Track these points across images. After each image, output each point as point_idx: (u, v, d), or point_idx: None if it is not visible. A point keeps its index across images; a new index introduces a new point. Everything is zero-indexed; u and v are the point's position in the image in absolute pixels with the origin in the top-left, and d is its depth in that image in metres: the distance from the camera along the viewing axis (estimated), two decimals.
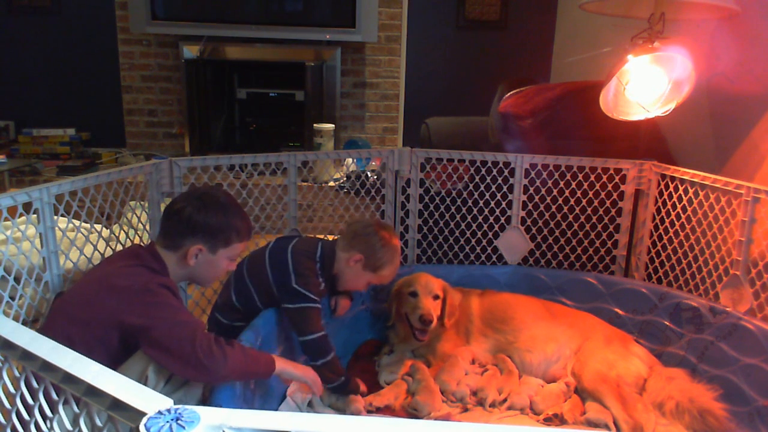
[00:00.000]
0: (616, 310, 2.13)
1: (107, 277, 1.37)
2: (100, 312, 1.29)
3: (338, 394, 1.72)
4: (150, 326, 1.25)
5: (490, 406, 1.77)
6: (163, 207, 1.98)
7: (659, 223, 2.17)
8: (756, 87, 2.10)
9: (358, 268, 1.81)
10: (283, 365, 1.45)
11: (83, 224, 1.69)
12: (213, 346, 1.25)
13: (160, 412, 0.56)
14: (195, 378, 1.29)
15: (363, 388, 1.77)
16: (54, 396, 0.69)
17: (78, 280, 1.50)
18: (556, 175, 2.26)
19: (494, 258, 2.38)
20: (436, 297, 1.96)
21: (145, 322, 1.26)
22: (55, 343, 0.70)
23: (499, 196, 2.29)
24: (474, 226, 2.34)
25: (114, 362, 1.28)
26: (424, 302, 1.92)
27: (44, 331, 1.35)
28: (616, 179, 2.22)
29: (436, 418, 1.69)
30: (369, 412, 1.71)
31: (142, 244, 1.74)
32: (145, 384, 1.17)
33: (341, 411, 1.69)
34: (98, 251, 1.72)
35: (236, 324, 1.76)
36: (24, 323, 1.46)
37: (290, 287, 1.70)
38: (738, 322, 1.76)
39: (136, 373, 1.25)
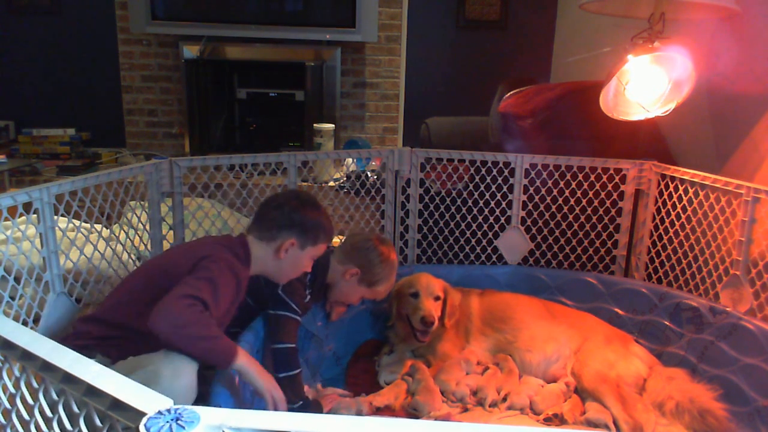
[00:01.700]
0: (616, 310, 2.13)
1: (193, 246, 1.53)
2: (173, 268, 1.40)
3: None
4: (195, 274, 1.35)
5: (490, 406, 1.77)
6: (163, 207, 1.98)
7: (659, 223, 2.17)
8: (756, 87, 2.10)
9: (354, 282, 1.83)
10: (246, 364, 1.34)
11: (83, 224, 1.69)
12: (197, 312, 1.26)
13: (160, 412, 0.56)
14: (155, 319, 1.25)
15: (326, 408, 1.68)
16: (54, 396, 0.69)
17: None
18: (556, 175, 2.26)
19: (494, 258, 2.38)
20: (437, 298, 1.96)
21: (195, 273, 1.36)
22: (55, 343, 0.70)
23: (499, 196, 2.29)
24: (474, 226, 2.34)
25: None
26: (426, 303, 1.92)
27: (120, 284, 1.51)
28: (616, 179, 2.22)
29: (436, 418, 1.69)
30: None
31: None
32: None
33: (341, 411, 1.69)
34: (98, 251, 1.72)
35: (231, 330, 1.73)
36: (24, 323, 1.46)
37: (275, 293, 1.69)
38: (738, 322, 1.76)
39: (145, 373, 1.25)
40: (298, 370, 1.62)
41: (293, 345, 1.65)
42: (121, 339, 1.38)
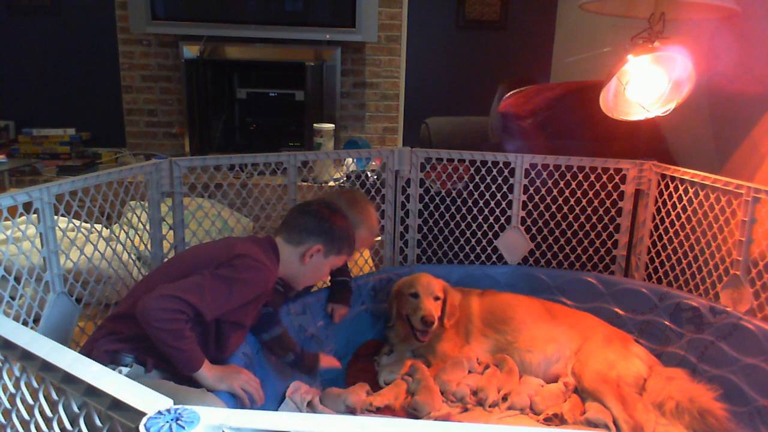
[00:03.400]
0: (616, 310, 2.13)
1: (230, 242, 1.52)
2: (205, 262, 1.41)
3: (298, 371, 1.72)
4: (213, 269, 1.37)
5: (490, 406, 1.77)
6: (163, 207, 1.98)
7: (659, 223, 2.17)
8: (756, 87, 2.10)
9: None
10: (205, 374, 1.34)
11: (83, 224, 1.69)
12: (182, 326, 1.28)
13: (159, 412, 0.56)
14: (146, 300, 1.27)
15: (324, 363, 1.75)
16: (54, 396, 0.69)
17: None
18: (556, 175, 2.26)
19: (494, 258, 2.38)
20: (437, 298, 1.96)
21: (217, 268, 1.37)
22: (55, 343, 0.70)
23: (499, 196, 2.29)
24: (474, 226, 2.34)
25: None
26: (426, 303, 1.92)
27: (148, 277, 1.52)
28: (616, 179, 2.22)
29: (435, 418, 1.69)
30: (369, 412, 1.71)
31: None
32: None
33: (340, 411, 1.69)
34: (98, 251, 1.72)
35: None
36: (24, 323, 1.46)
37: None
38: (738, 322, 1.76)
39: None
40: (281, 330, 1.67)
41: (272, 309, 1.68)
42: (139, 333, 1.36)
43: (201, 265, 1.40)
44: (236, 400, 1.37)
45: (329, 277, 2.03)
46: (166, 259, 1.88)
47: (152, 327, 1.26)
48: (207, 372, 1.34)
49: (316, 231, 1.59)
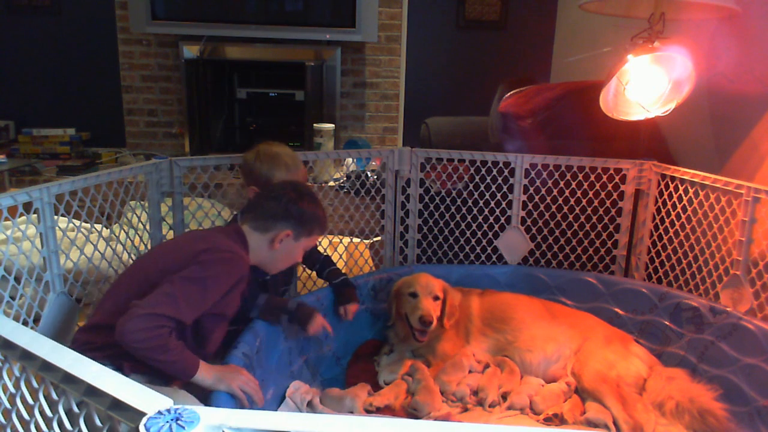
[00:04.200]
0: (616, 310, 2.13)
1: (189, 240, 1.50)
2: (172, 263, 1.38)
3: (299, 326, 1.74)
4: (182, 275, 1.33)
5: (490, 406, 1.77)
6: (163, 207, 1.99)
7: (659, 223, 2.17)
8: (756, 87, 2.10)
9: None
10: (204, 376, 1.33)
11: (83, 224, 1.69)
12: (169, 335, 1.26)
13: (159, 412, 0.56)
14: (123, 324, 1.24)
15: (318, 322, 1.74)
16: (54, 396, 0.69)
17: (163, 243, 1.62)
18: (556, 175, 2.26)
19: (494, 258, 2.38)
20: (436, 298, 1.96)
21: (183, 268, 1.34)
22: (55, 343, 0.70)
23: (499, 196, 2.29)
24: (474, 226, 2.34)
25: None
26: (424, 303, 1.92)
27: (114, 286, 1.47)
28: (616, 179, 2.22)
29: (435, 418, 1.69)
30: (369, 412, 1.71)
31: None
32: None
33: (341, 411, 1.69)
34: (98, 251, 1.72)
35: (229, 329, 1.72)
36: (24, 323, 1.46)
37: None
38: (738, 322, 1.76)
39: None
40: (264, 298, 1.71)
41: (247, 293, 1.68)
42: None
43: (167, 268, 1.37)
44: (235, 401, 1.37)
45: (329, 281, 2.04)
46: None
47: (136, 349, 1.23)
48: (205, 374, 1.33)
49: (284, 216, 1.56)
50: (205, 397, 1.36)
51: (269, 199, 1.59)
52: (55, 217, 1.55)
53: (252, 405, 1.40)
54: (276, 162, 1.84)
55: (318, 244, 2.02)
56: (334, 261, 2.10)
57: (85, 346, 1.34)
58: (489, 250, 2.37)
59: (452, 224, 2.35)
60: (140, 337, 1.22)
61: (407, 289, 1.97)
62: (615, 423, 1.64)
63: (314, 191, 1.70)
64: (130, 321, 1.22)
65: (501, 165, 2.27)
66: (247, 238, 1.55)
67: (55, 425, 0.69)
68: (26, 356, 0.69)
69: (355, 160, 3.59)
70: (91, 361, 0.66)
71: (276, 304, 1.74)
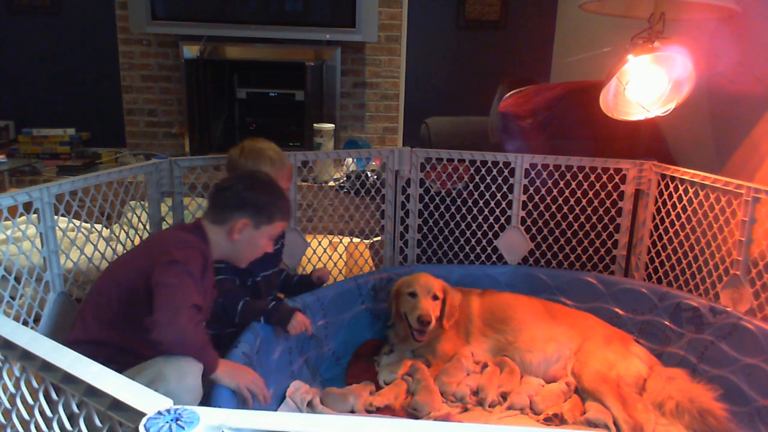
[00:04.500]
0: (616, 310, 2.13)
1: (150, 241, 1.50)
2: (134, 271, 1.38)
3: (279, 326, 1.72)
4: (159, 282, 1.32)
5: (489, 406, 1.77)
6: (163, 207, 1.99)
7: (659, 223, 2.17)
8: (756, 87, 2.10)
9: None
10: (221, 373, 1.38)
11: (83, 224, 1.69)
12: (187, 325, 1.30)
13: (159, 413, 0.56)
14: (157, 339, 1.28)
15: (299, 320, 1.71)
16: (54, 396, 0.69)
17: (126, 252, 1.59)
18: (556, 175, 2.26)
19: (494, 258, 2.38)
20: (435, 297, 1.96)
21: (159, 277, 1.33)
22: (55, 343, 0.70)
23: (499, 196, 2.29)
24: (474, 226, 2.34)
25: (134, 323, 1.33)
26: (423, 303, 1.92)
27: (88, 296, 1.47)
28: (616, 179, 2.22)
29: (435, 418, 1.69)
30: (369, 412, 1.71)
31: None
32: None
33: (342, 410, 1.69)
34: (98, 251, 1.72)
35: (226, 332, 1.71)
36: (24, 323, 1.46)
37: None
38: (738, 322, 1.76)
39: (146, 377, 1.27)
40: (240, 303, 1.68)
41: (227, 300, 1.69)
42: (106, 358, 1.36)
43: (137, 276, 1.37)
44: (237, 399, 1.37)
45: (302, 283, 2.06)
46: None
47: (182, 342, 1.27)
48: (224, 371, 1.37)
49: (238, 205, 1.53)
50: (206, 396, 1.36)
51: (223, 190, 1.56)
52: (55, 217, 1.55)
53: (256, 405, 1.41)
54: (260, 157, 1.83)
55: (318, 245, 2.03)
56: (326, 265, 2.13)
57: None
58: (489, 250, 2.37)
59: (452, 224, 2.35)
60: (183, 331, 1.27)
61: (407, 289, 1.97)
62: (615, 423, 1.64)
63: (270, 178, 1.64)
64: (163, 333, 1.25)
65: (501, 165, 2.27)
66: (207, 232, 1.53)
67: (55, 425, 0.69)
68: (26, 356, 0.69)
69: (355, 160, 3.59)
70: (91, 361, 0.66)
71: (255, 306, 1.71)
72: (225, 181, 1.61)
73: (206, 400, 1.36)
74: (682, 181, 2.05)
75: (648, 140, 2.31)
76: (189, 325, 1.30)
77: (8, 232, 1.41)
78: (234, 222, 1.52)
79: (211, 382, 1.36)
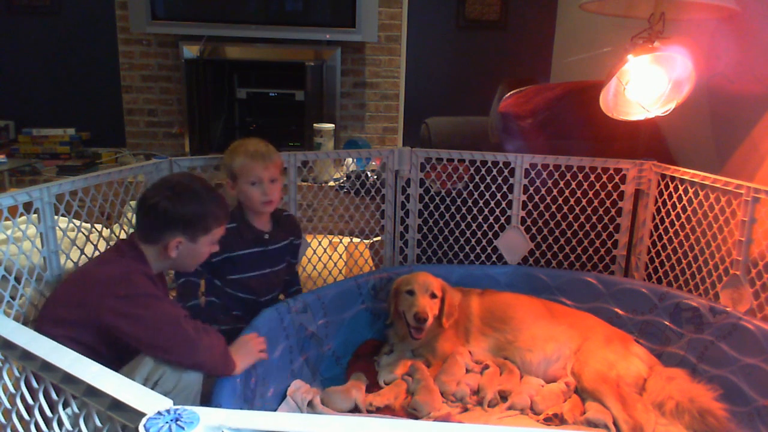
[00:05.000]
0: (616, 310, 2.13)
1: (88, 272, 1.42)
2: (81, 310, 1.31)
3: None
4: (133, 328, 1.29)
5: (489, 406, 1.77)
6: None
7: (659, 223, 2.17)
8: (756, 87, 2.10)
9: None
10: (241, 367, 1.45)
11: (83, 224, 1.69)
12: (200, 333, 1.33)
13: (159, 413, 0.56)
14: (178, 360, 1.30)
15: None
16: (54, 396, 0.69)
17: (64, 279, 1.51)
18: (556, 175, 2.26)
19: (494, 258, 2.38)
20: (433, 296, 1.95)
21: (127, 324, 1.29)
22: (55, 343, 0.70)
23: (499, 196, 2.29)
24: (474, 226, 2.34)
25: (97, 354, 1.30)
26: (420, 300, 1.92)
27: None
28: (616, 179, 2.22)
29: (435, 418, 1.69)
30: (369, 412, 1.71)
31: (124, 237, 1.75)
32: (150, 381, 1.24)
33: (343, 406, 1.69)
34: (98, 251, 1.72)
35: (222, 328, 1.70)
36: (24, 323, 1.46)
37: None
38: (738, 322, 1.76)
39: (141, 375, 1.28)
40: (195, 303, 1.78)
41: (188, 303, 1.78)
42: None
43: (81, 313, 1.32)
44: (236, 399, 1.38)
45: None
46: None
47: (190, 349, 1.30)
48: (241, 361, 1.44)
49: (166, 226, 1.42)
50: (206, 396, 1.37)
51: (145, 214, 1.46)
52: (55, 217, 1.55)
53: (256, 405, 1.43)
54: (236, 151, 1.84)
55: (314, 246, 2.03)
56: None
57: None
58: (489, 250, 2.37)
59: (452, 224, 2.35)
60: (192, 342, 1.31)
61: (405, 287, 1.98)
62: (615, 423, 1.64)
63: (196, 182, 1.51)
64: (180, 340, 1.30)
65: (501, 165, 2.27)
66: (143, 250, 1.45)
67: (55, 425, 0.69)
68: (26, 356, 0.69)
69: (355, 160, 3.59)
70: (91, 361, 0.66)
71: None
72: (147, 197, 1.47)
73: (206, 400, 1.36)
74: (682, 181, 2.05)
75: (648, 140, 2.31)
76: (203, 336, 1.33)
77: (8, 232, 1.41)
78: (167, 241, 1.43)
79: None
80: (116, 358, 1.31)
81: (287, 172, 2.17)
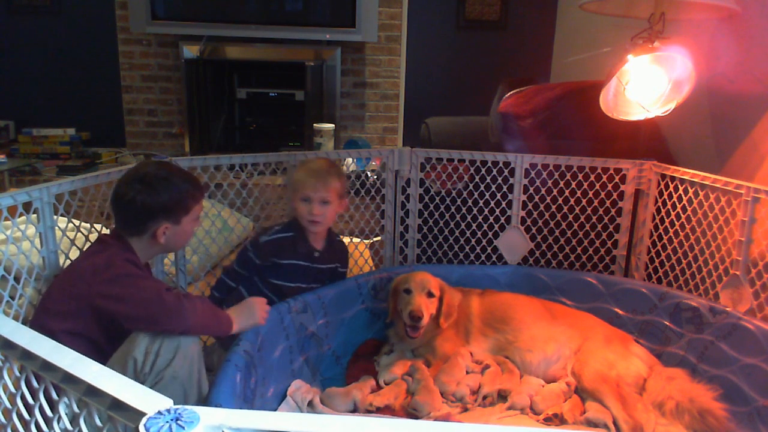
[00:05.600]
0: (616, 310, 2.13)
1: (76, 266, 1.47)
2: (75, 302, 1.38)
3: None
4: (121, 307, 1.35)
5: (489, 405, 1.77)
6: None
7: (659, 223, 2.17)
8: (756, 87, 2.10)
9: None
10: (238, 324, 1.52)
11: (83, 224, 1.69)
12: (181, 299, 1.37)
13: (159, 413, 0.56)
14: (169, 329, 1.34)
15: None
16: (54, 396, 0.69)
17: (56, 276, 1.54)
18: (556, 175, 2.26)
19: (494, 258, 2.38)
20: (430, 295, 1.95)
21: (116, 304, 1.36)
22: (56, 342, 0.70)
23: (499, 196, 2.29)
24: (474, 226, 2.34)
25: (97, 347, 1.38)
26: (416, 299, 1.92)
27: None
28: (616, 179, 2.22)
29: (435, 418, 1.69)
30: (369, 412, 1.71)
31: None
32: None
33: (345, 405, 1.69)
34: None
35: None
36: (24, 323, 1.46)
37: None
38: (738, 322, 1.76)
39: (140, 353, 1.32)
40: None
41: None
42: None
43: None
44: (235, 399, 1.38)
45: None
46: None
47: (176, 315, 1.34)
48: (237, 320, 1.51)
49: (148, 216, 1.49)
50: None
51: (124, 206, 1.49)
52: (55, 217, 1.55)
53: (256, 405, 1.44)
54: (302, 165, 1.94)
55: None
56: None
57: None
58: (489, 250, 2.37)
59: (452, 224, 2.35)
60: (177, 308, 1.34)
61: (403, 286, 1.98)
62: (615, 423, 1.64)
63: (162, 168, 1.55)
64: (169, 310, 1.34)
65: (501, 165, 2.27)
66: (131, 242, 1.51)
67: (55, 425, 0.69)
68: (26, 356, 0.69)
69: (355, 160, 3.59)
70: (92, 361, 0.66)
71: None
72: (121, 193, 1.50)
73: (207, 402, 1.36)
74: (682, 181, 2.05)
75: (648, 140, 2.31)
76: (185, 302, 1.36)
77: (8, 232, 1.41)
78: (154, 230, 1.51)
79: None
80: (115, 347, 1.37)
81: (287, 172, 2.17)
